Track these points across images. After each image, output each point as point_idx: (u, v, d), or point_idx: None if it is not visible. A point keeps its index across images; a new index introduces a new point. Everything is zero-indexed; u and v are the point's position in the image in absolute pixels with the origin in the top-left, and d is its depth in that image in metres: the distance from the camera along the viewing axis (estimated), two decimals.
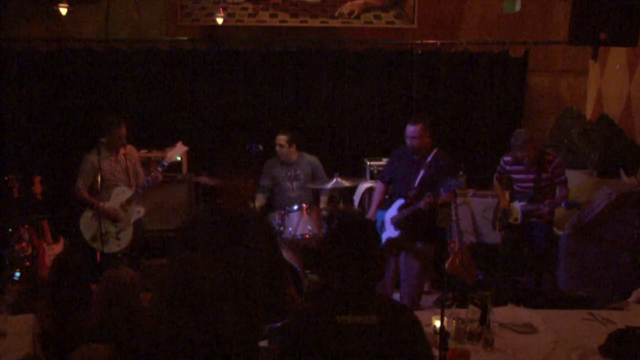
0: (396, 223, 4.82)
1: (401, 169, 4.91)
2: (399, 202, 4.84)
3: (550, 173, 5.21)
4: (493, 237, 5.77)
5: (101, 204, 5.24)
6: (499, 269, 5.55)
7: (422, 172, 4.71)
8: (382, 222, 4.93)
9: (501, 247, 5.54)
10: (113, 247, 5.34)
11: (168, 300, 2.21)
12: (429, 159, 4.74)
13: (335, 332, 2.22)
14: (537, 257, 5.39)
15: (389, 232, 4.88)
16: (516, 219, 5.29)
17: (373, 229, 2.52)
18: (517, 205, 5.29)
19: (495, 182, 5.56)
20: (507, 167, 5.42)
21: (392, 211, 4.87)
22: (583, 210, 5.52)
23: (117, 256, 5.35)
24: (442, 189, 4.75)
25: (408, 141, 4.77)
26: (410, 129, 4.73)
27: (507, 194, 5.41)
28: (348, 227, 2.39)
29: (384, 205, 5.01)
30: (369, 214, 5.09)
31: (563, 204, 5.12)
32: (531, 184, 5.26)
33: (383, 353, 2.23)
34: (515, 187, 5.39)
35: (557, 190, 5.26)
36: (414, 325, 2.33)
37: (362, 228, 2.40)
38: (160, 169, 5.46)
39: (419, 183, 4.71)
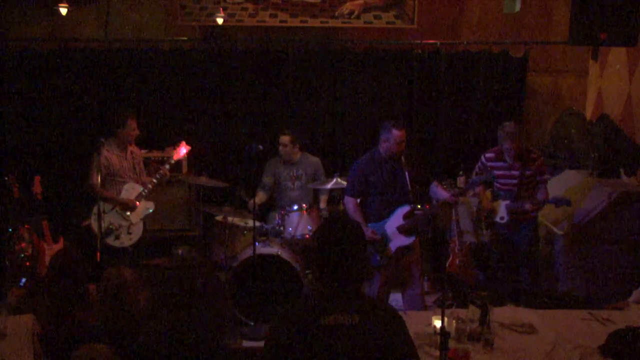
0: (408, 230, 4.65)
1: (382, 179, 4.71)
2: (401, 210, 4.65)
3: (534, 170, 5.11)
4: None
5: (119, 197, 5.39)
6: (493, 268, 5.53)
7: (407, 173, 4.57)
8: (383, 234, 4.69)
9: (489, 246, 5.50)
10: (125, 241, 5.42)
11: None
12: (402, 158, 4.62)
13: (318, 333, 2.22)
14: (526, 254, 5.32)
15: (399, 242, 4.67)
16: (502, 218, 5.20)
17: (358, 229, 2.48)
18: (502, 204, 5.20)
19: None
20: (489, 164, 5.25)
21: (396, 220, 4.67)
22: (581, 209, 5.51)
23: (126, 251, 5.42)
24: (471, 182, 4.73)
25: (395, 146, 4.60)
26: (399, 134, 4.58)
27: (488, 193, 5.34)
28: (333, 228, 2.38)
29: (374, 218, 4.76)
30: (367, 232, 4.62)
31: (551, 201, 5.06)
32: (514, 181, 5.13)
33: (366, 352, 2.22)
34: (495, 184, 5.28)
35: (539, 190, 5.14)
36: (396, 323, 2.32)
37: (346, 228, 2.39)
38: (167, 166, 5.57)
39: (410, 184, 4.58)
